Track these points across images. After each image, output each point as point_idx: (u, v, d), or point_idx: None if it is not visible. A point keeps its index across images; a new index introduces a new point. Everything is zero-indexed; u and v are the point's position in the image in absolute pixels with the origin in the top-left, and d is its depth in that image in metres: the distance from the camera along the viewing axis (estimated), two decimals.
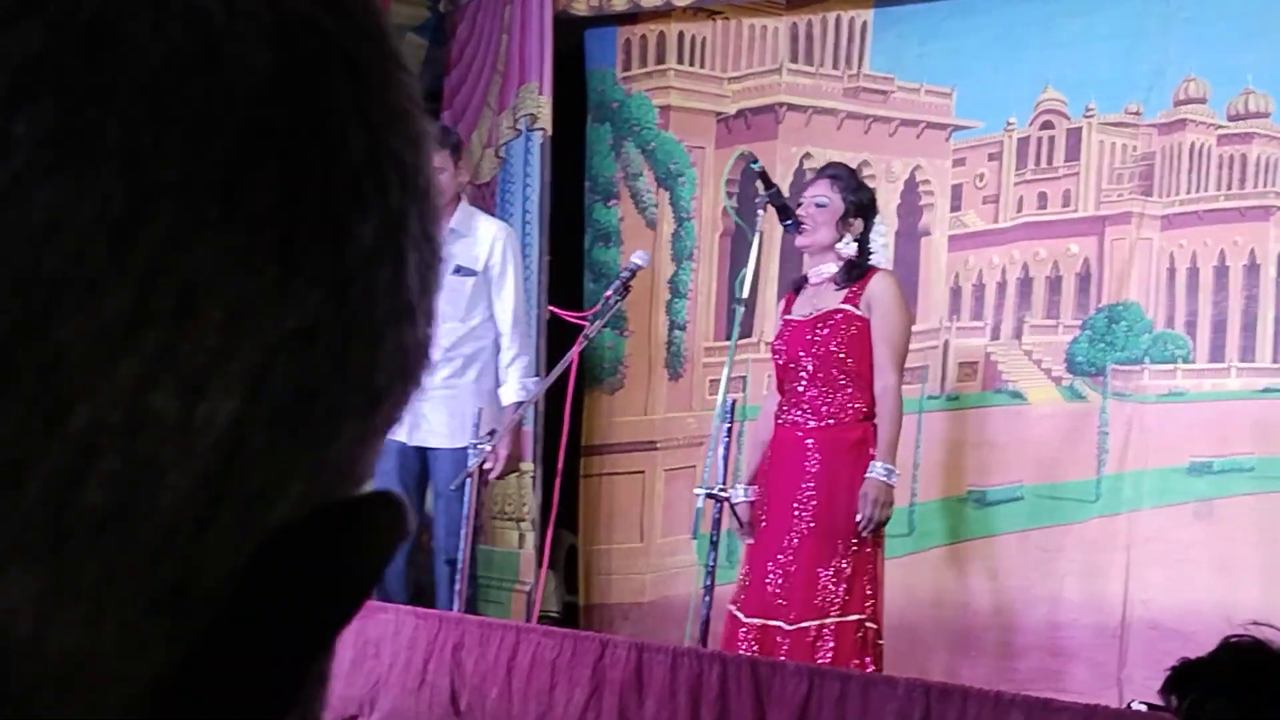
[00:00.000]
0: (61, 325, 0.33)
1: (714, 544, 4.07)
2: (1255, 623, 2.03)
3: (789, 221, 4.38)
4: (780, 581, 4.09)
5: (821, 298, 4.26)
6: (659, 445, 6.29)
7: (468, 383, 5.17)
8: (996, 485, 5.44)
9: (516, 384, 5.19)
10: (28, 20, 0.34)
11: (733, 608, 4.21)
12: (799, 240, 4.35)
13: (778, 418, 4.30)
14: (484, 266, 5.21)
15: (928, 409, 5.62)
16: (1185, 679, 2.00)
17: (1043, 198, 5.55)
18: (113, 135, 0.34)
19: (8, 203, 0.33)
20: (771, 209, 4.34)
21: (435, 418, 5.05)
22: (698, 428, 5.96)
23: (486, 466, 4.95)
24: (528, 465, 6.11)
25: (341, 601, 0.38)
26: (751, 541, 4.29)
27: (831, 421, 4.16)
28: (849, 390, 4.17)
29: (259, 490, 0.36)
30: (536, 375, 5.23)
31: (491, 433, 4.39)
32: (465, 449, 4.77)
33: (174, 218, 0.34)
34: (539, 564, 5.95)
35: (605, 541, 6.40)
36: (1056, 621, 5.23)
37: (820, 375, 4.18)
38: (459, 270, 5.16)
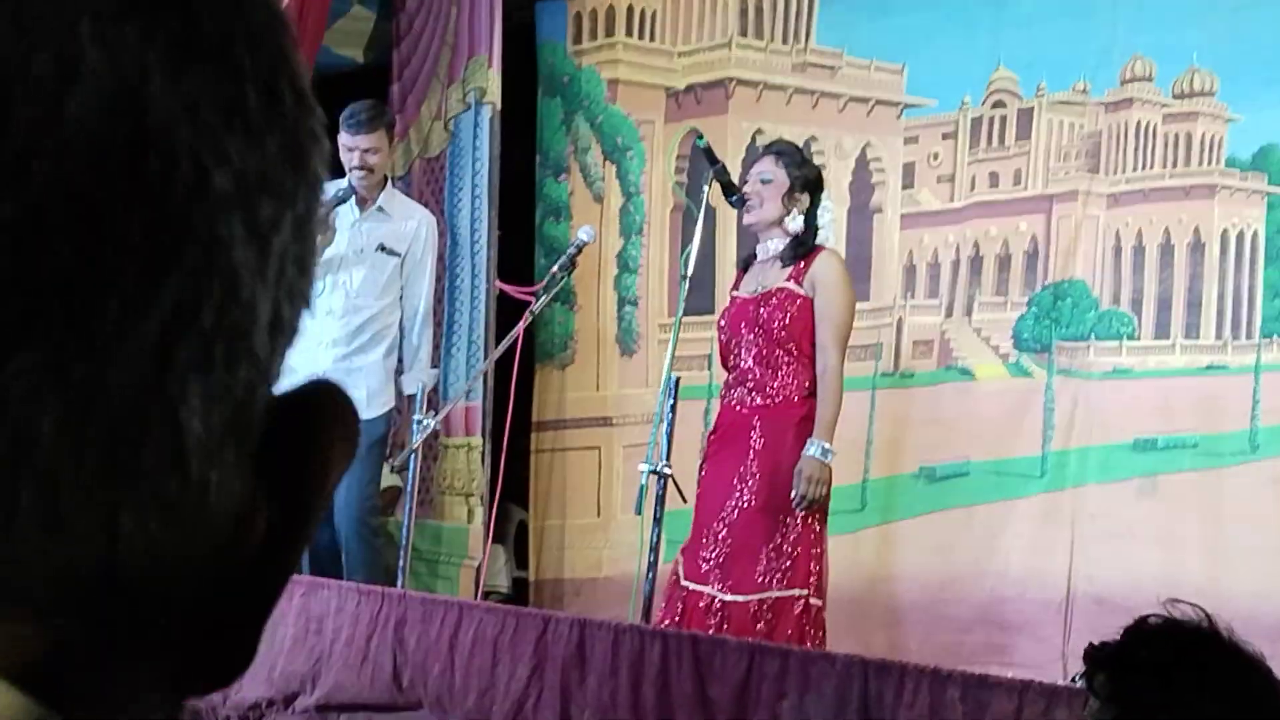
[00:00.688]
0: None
1: (657, 520, 4.07)
2: (1174, 600, 2.05)
3: (734, 198, 4.38)
4: (713, 551, 4.10)
5: (767, 275, 4.26)
6: (614, 421, 6.28)
7: (375, 358, 5.18)
8: (946, 461, 5.47)
9: (420, 374, 5.22)
10: None
11: (679, 574, 4.23)
12: (745, 217, 4.34)
13: (723, 395, 4.30)
14: (406, 251, 5.21)
15: (880, 386, 5.64)
16: (1101, 659, 2.02)
17: (994, 177, 5.57)
18: None
19: None
20: (718, 186, 4.33)
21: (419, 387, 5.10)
22: (653, 404, 5.96)
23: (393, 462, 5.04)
24: (477, 440, 6.10)
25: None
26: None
27: (776, 399, 4.17)
28: (792, 368, 4.17)
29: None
30: (436, 365, 5.25)
31: (434, 410, 4.37)
32: (372, 420, 4.84)
33: None
34: (488, 541, 5.95)
35: (558, 517, 6.39)
36: (1002, 596, 5.26)
37: (763, 353, 4.18)
38: (382, 249, 5.17)
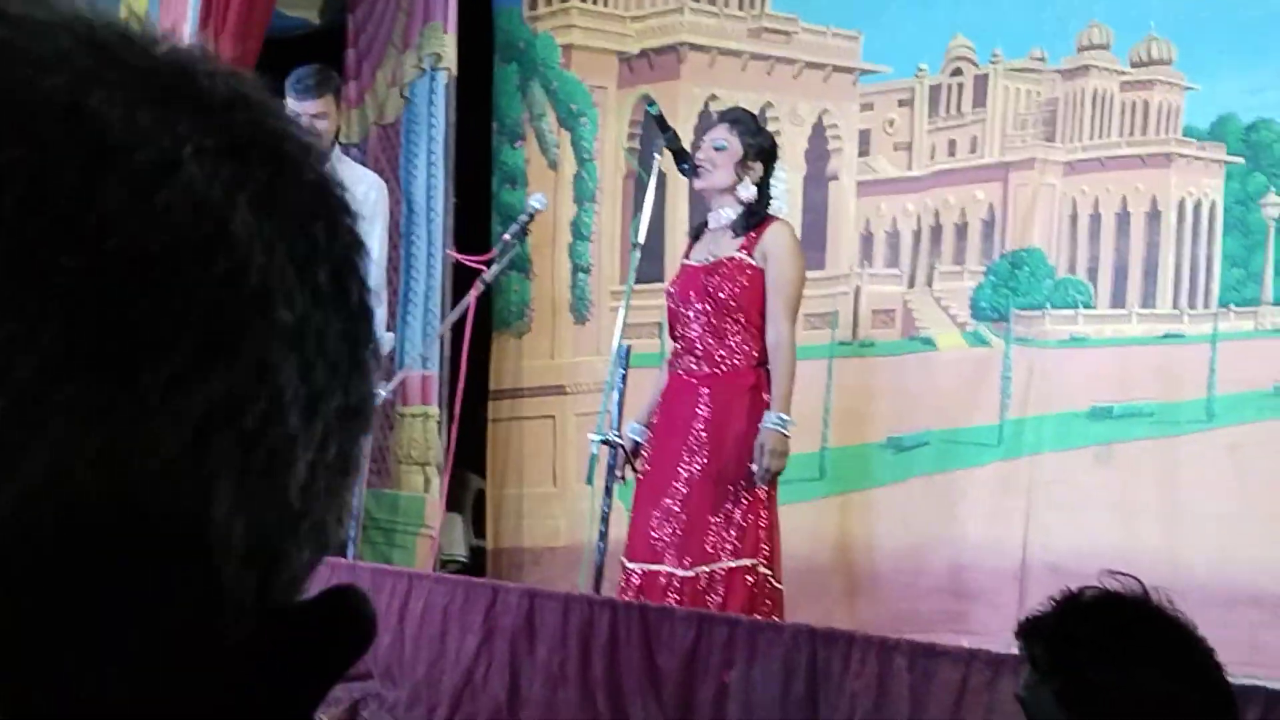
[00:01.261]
0: None
1: (608, 490, 4.04)
2: (1110, 572, 2.03)
3: (686, 166, 4.34)
4: (666, 528, 4.06)
5: (718, 244, 4.22)
6: (568, 390, 6.25)
7: None
8: (906, 431, 5.46)
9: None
10: None
11: (623, 557, 4.19)
12: (697, 183, 4.30)
13: (670, 365, 4.27)
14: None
15: (838, 355, 5.61)
16: (1039, 630, 2.00)
17: (952, 145, 5.54)
18: None
19: None
20: (669, 153, 4.29)
21: None
22: (605, 372, 5.93)
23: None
24: (434, 410, 6.06)
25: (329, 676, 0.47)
26: (621, 479, 4.27)
27: (723, 368, 4.14)
28: (740, 337, 4.14)
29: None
30: (390, 330, 5.19)
31: (387, 378, 4.33)
32: None
33: None
34: (446, 510, 5.92)
35: (515, 486, 6.36)
36: (959, 564, 5.26)
37: (712, 322, 4.15)
38: None
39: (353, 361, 0.46)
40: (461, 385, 5.16)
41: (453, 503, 6.21)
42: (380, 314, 5.32)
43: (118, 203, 0.41)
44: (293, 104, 5.03)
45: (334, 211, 0.48)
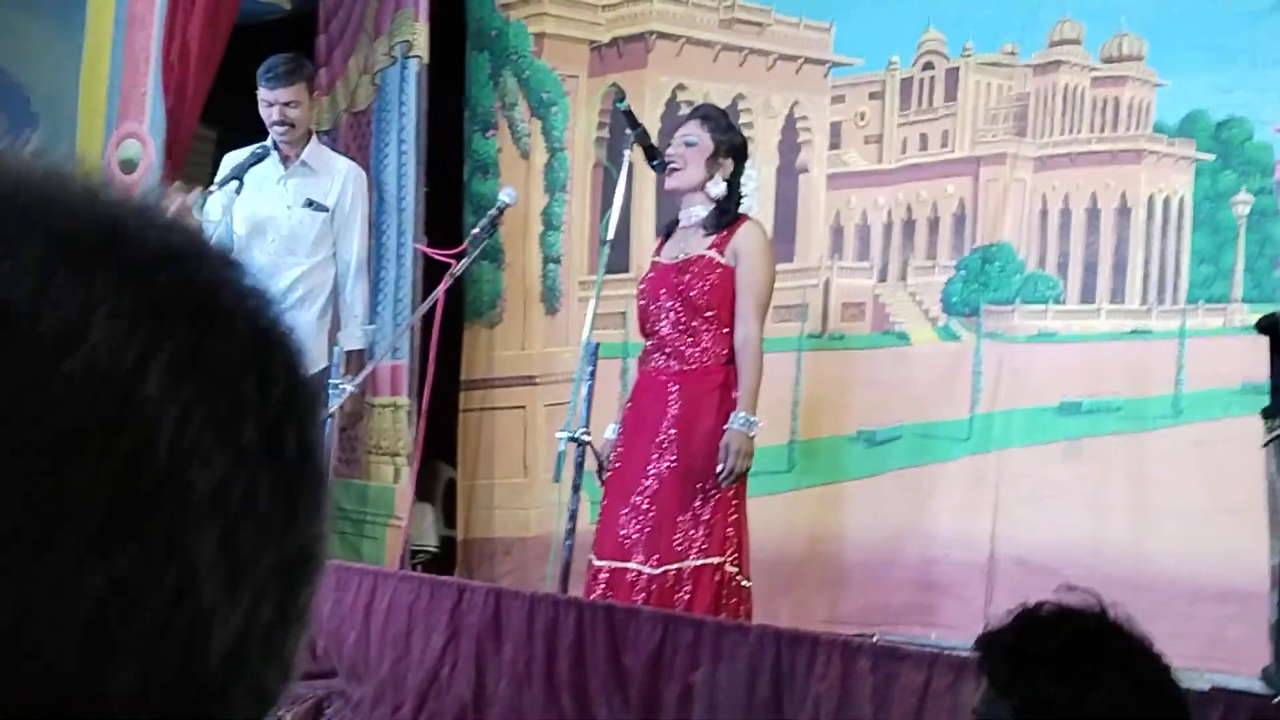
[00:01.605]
0: None
1: (576, 488, 4.03)
2: (1069, 586, 2.04)
3: (656, 162, 4.32)
4: (635, 525, 4.05)
5: (689, 242, 4.20)
6: (538, 380, 6.24)
7: (310, 318, 5.10)
8: (877, 425, 5.46)
9: (356, 330, 5.11)
10: None
11: (591, 554, 4.18)
12: (667, 181, 4.28)
13: (641, 362, 4.26)
14: (334, 205, 5.11)
15: (807, 348, 5.61)
16: (997, 648, 2.00)
17: (924, 138, 5.53)
18: None
19: None
20: (639, 149, 4.27)
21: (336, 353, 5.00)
22: (574, 363, 5.91)
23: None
24: (404, 400, 6.04)
25: None
26: (601, 483, 4.26)
27: (693, 365, 4.13)
28: (711, 335, 4.13)
29: None
30: (373, 322, 5.16)
31: (350, 373, 4.30)
32: None
33: None
34: (416, 500, 5.90)
35: (486, 476, 6.35)
36: (929, 557, 5.27)
37: (682, 320, 4.14)
38: (310, 204, 5.09)
39: (289, 513, 0.46)
40: (431, 375, 5.14)
41: (423, 492, 6.20)
42: (362, 304, 5.28)
43: (18, 377, 0.41)
44: (264, 93, 5.00)
45: (270, 362, 0.47)
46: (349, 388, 4.31)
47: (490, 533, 6.27)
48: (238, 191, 4.74)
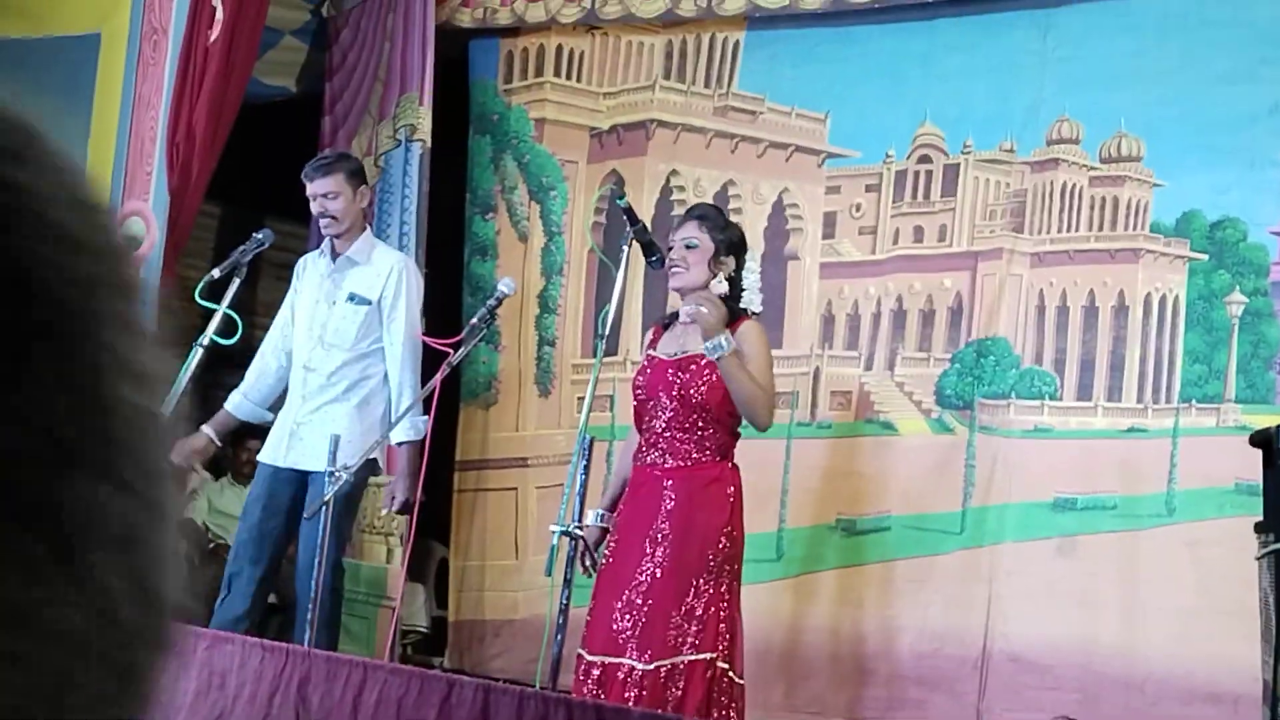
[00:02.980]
0: None
1: (567, 582, 4.02)
2: (1065, 718, 2.04)
3: (654, 258, 4.34)
4: (628, 620, 4.04)
5: (689, 339, 4.21)
6: (530, 462, 6.25)
7: (349, 408, 5.06)
8: (866, 515, 5.46)
9: (406, 423, 4.95)
10: None
11: (581, 649, 4.16)
12: (671, 283, 4.30)
13: (636, 458, 4.25)
14: (379, 297, 5.10)
15: (797, 435, 5.62)
16: None
17: (919, 231, 5.57)
18: None
19: None
20: (637, 245, 4.30)
21: (312, 441, 4.96)
22: (566, 445, 5.92)
23: (381, 507, 4.89)
24: (385, 479, 6.03)
25: None
26: (591, 576, 4.25)
27: (688, 462, 4.13)
28: (707, 432, 4.14)
29: None
30: (425, 415, 4.98)
31: (350, 466, 4.29)
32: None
33: None
34: (408, 580, 5.88)
35: (478, 558, 6.35)
36: (920, 651, 5.25)
37: (679, 418, 4.14)
38: (353, 298, 5.06)
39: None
40: (425, 460, 5.14)
41: (415, 572, 6.19)
42: (409, 395, 5.04)
43: None
44: (308, 187, 5.06)
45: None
46: (344, 475, 4.29)
47: (481, 614, 6.25)
48: (239, 277, 4.74)
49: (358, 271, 5.09)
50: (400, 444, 5.06)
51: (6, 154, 0.46)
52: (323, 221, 5.09)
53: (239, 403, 5.29)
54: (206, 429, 5.16)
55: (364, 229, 5.19)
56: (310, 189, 5.07)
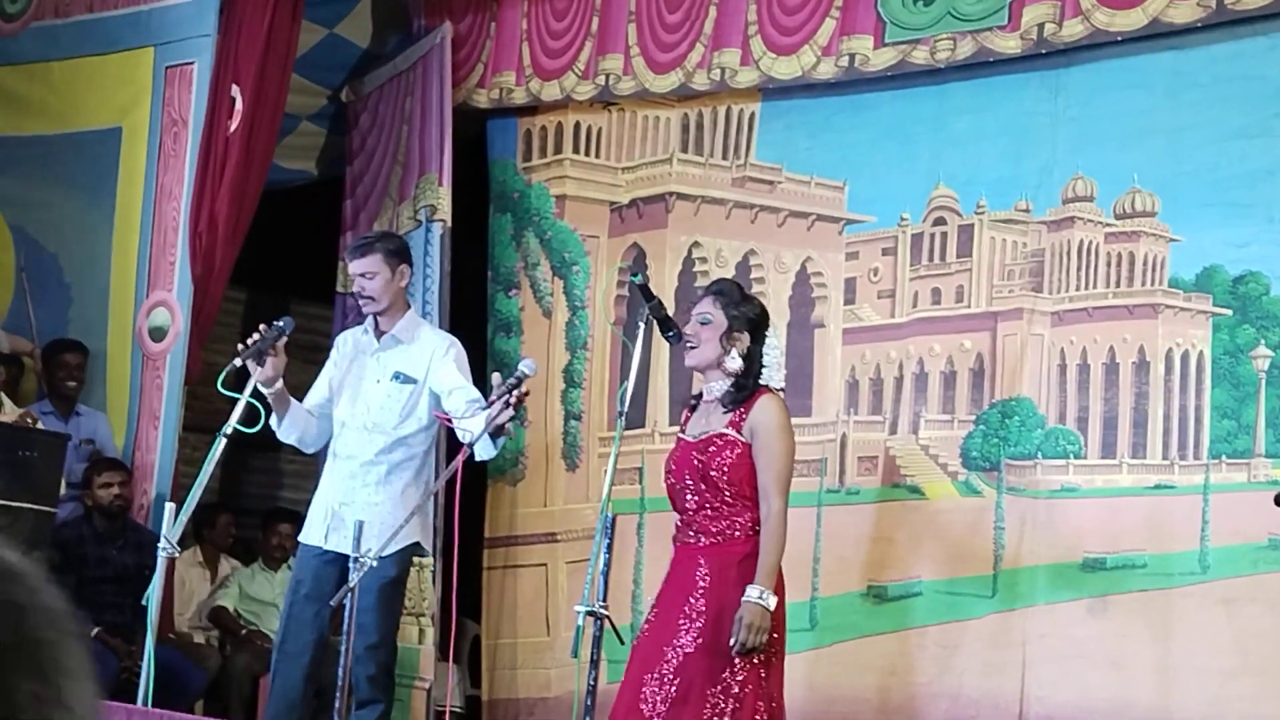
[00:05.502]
0: None
1: (594, 662, 4.01)
2: None
3: (671, 334, 4.35)
4: (657, 696, 4.01)
5: (710, 419, 4.21)
6: (559, 537, 6.25)
7: (392, 492, 5.01)
8: (897, 581, 5.43)
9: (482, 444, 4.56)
10: None
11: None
12: (686, 360, 4.30)
13: (674, 538, 4.25)
14: (424, 376, 5.06)
15: (826, 502, 5.61)
16: None
17: (936, 293, 5.57)
18: None
19: None
20: (654, 322, 4.31)
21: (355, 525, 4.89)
22: (595, 519, 5.90)
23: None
24: (428, 559, 6.04)
25: None
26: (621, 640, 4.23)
27: (719, 540, 4.12)
28: (734, 509, 4.12)
29: None
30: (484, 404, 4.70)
31: (372, 552, 4.27)
32: (387, 558, 4.60)
33: None
34: (440, 659, 5.87)
35: (510, 635, 6.34)
36: (956, 717, 5.20)
37: (706, 499, 4.13)
38: (397, 376, 5.02)
39: None
40: (456, 542, 5.13)
41: (448, 650, 6.17)
42: (477, 423, 4.60)
43: None
44: (348, 266, 5.13)
45: None
46: (370, 561, 4.29)
47: (514, 693, 6.24)
48: (259, 362, 4.71)
49: (402, 350, 5.06)
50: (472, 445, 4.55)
51: None
52: (361, 301, 5.07)
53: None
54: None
55: (407, 307, 5.13)
56: (350, 268, 5.09)
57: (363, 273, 5.00)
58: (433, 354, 5.05)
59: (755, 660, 4.02)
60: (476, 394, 4.90)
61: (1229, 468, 4.93)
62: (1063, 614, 5.10)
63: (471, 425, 4.64)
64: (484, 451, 4.65)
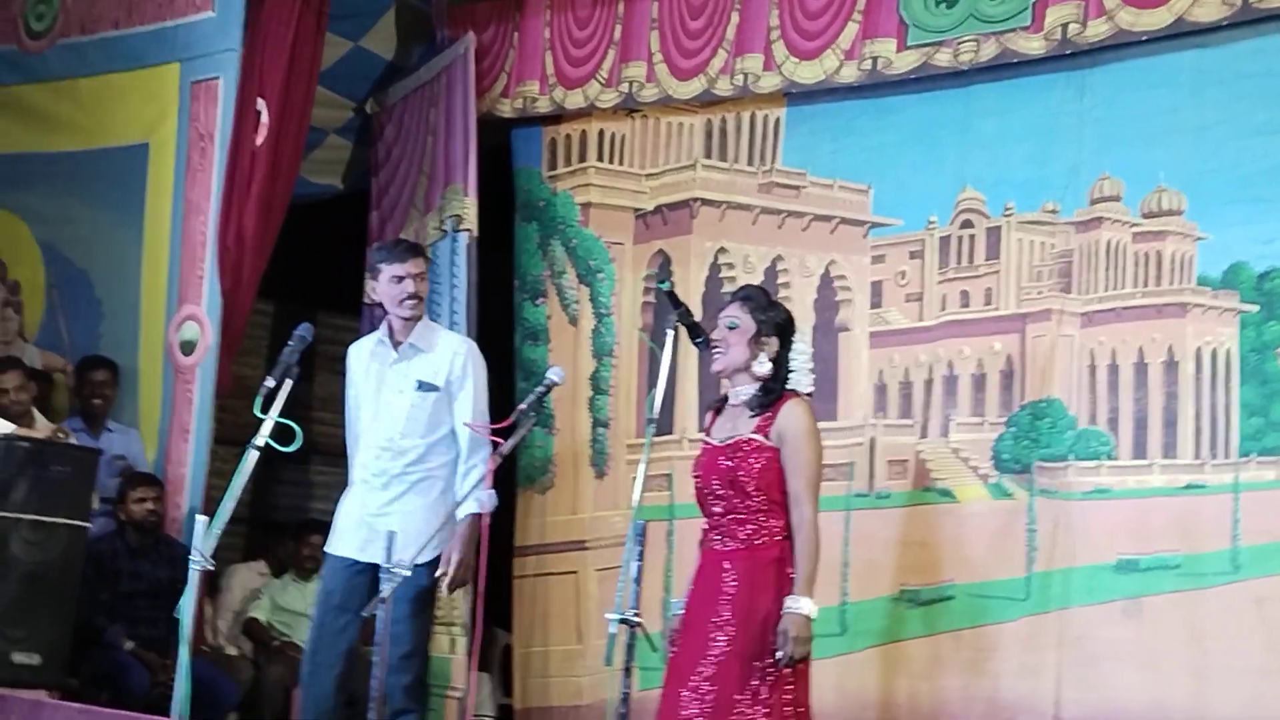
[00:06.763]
0: None
1: (627, 670, 4.01)
2: None
3: (700, 340, 4.36)
4: (695, 707, 4.00)
5: (737, 423, 4.21)
6: (588, 545, 6.26)
7: (421, 503, 5.02)
8: (929, 584, 5.42)
9: (471, 500, 4.85)
10: None
11: None
12: (713, 365, 4.30)
13: (701, 543, 4.25)
14: (445, 382, 5.07)
15: (855, 507, 5.60)
16: None
17: (965, 296, 5.56)
18: None
19: None
20: (682, 328, 4.32)
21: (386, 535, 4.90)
22: (624, 526, 5.90)
23: (439, 573, 4.80)
24: None
25: None
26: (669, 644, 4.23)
27: (748, 544, 4.12)
28: (762, 513, 4.12)
29: None
30: (493, 488, 4.89)
31: (403, 563, 4.28)
32: (420, 567, 4.62)
33: None
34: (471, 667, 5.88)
35: (541, 644, 6.35)
36: None
37: (733, 504, 4.13)
38: (421, 385, 5.03)
39: None
40: (486, 547, 5.14)
41: (481, 660, 6.19)
42: (478, 471, 4.90)
43: None
44: (396, 267, 4.98)
45: None
46: (403, 571, 4.30)
47: (546, 701, 6.24)
48: (292, 378, 4.70)
49: (423, 359, 5.06)
50: (462, 517, 4.91)
51: None
52: (410, 302, 4.99)
53: None
54: None
55: (422, 315, 5.17)
56: (403, 269, 4.97)
57: (419, 273, 5.00)
58: (453, 358, 5.07)
59: (784, 667, 4.01)
60: (484, 461, 4.85)
61: (1259, 465, 4.91)
62: (1097, 616, 5.08)
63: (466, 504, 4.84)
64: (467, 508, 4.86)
